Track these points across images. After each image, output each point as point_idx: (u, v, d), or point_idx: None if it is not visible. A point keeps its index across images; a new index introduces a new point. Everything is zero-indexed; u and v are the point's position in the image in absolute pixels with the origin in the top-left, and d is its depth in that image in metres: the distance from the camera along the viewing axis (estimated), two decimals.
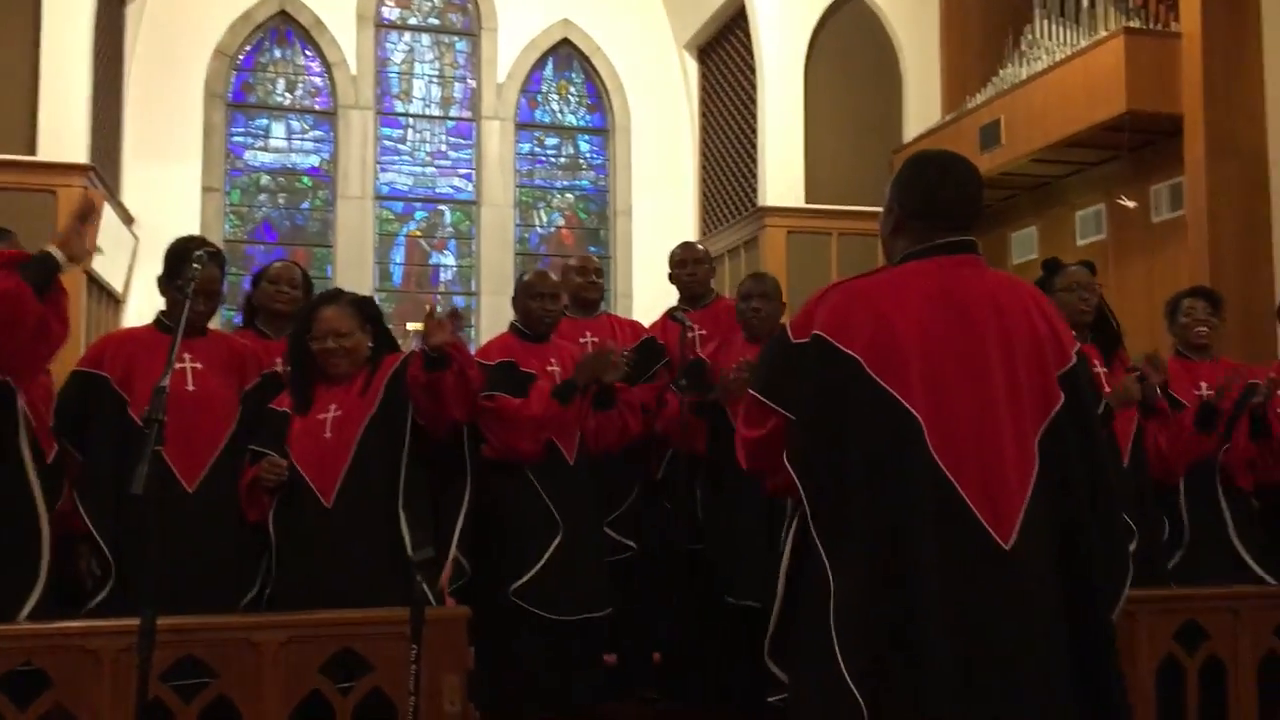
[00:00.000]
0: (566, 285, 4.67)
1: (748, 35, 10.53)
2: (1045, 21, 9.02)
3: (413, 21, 11.99)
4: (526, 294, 4.23)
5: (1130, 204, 8.38)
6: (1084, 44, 8.26)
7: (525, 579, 3.88)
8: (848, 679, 2.05)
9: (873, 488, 2.11)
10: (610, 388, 4.14)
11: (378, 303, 3.75)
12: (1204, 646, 3.43)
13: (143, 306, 9.00)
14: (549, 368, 4.11)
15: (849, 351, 2.13)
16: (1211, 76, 7.41)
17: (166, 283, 3.52)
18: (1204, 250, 7.37)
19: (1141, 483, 3.80)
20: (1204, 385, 4.07)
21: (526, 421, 3.92)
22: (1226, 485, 4.03)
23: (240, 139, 11.29)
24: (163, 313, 3.62)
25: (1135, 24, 7.93)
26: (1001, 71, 9.40)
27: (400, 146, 11.85)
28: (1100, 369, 3.80)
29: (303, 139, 11.55)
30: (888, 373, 2.12)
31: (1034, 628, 2.10)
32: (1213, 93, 7.41)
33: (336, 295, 3.55)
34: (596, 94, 12.29)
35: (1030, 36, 9.18)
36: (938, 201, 2.27)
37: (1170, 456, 3.92)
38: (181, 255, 3.39)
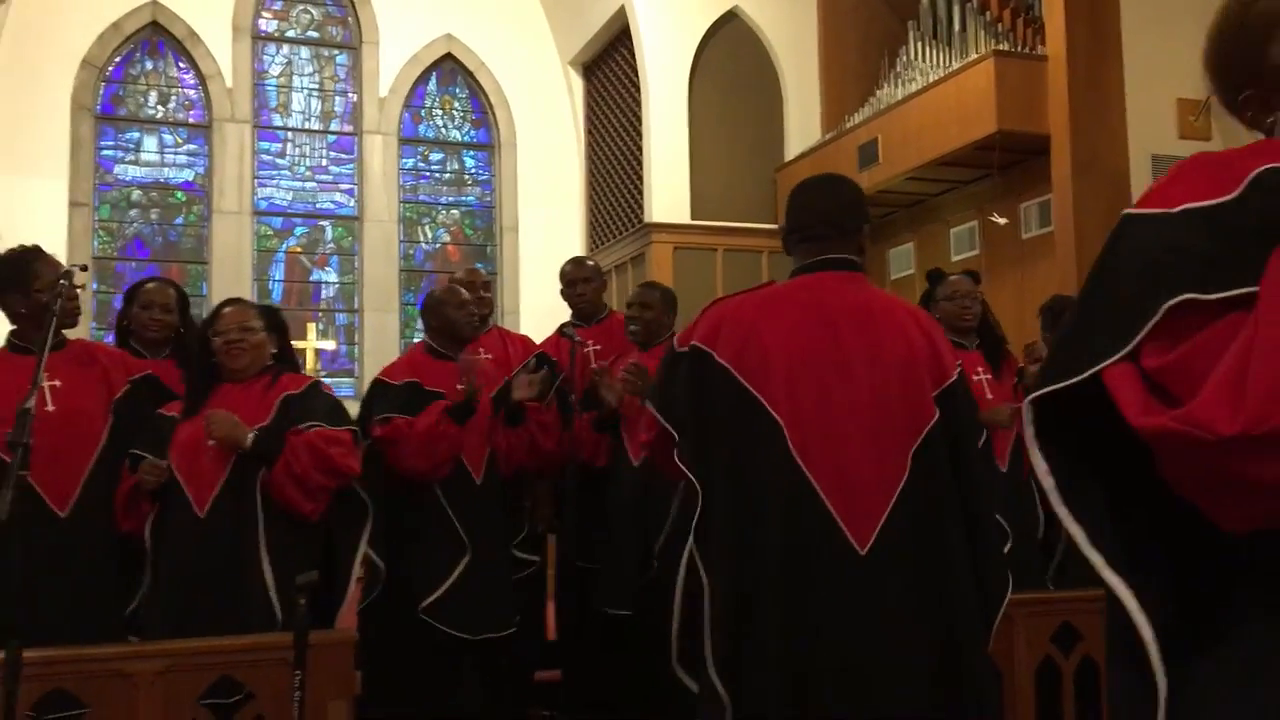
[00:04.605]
0: None
1: (632, 53, 10.61)
2: (919, 44, 9.30)
3: (291, 34, 11.75)
4: (446, 305, 4.12)
5: (1001, 221, 8.66)
6: (956, 66, 8.53)
7: (434, 597, 3.82)
8: (713, 675, 2.16)
9: (735, 489, 2.24)
10: (520, 405, 4.10)
11: None
12: (1078, 648, 3.50)
13: None
14: (460, 386, 4.04)
15: (720, 360, 2.29)
16: (1075, 97, 7.72)
17: (3, 292, 3.33)
18: (1071, 265, 7.65)
19: (1018, 484, 3.89)
20: None
21: (411, 438, 3.84)
22: None
23: (110, 153, 10.90)
24: (14, 332, 3.42)
25: (1004, 47, 8.23)
26: (878, 92, 9.65)
27: (279, 161, 11.60)
28: (986, 376, 3.91)
29: (176, 153, 11.21)
30: (754, 378, 2.26)
31: (886, 633, 2.15)
32: (1077, 113, 7.72)
33: (241, 300, 3.56)
34: (481, 109, 12.23)
35: (905, 58, 9.44)
36: (810, 220, 2.44)
37: None
38: (19, 265, 3.26)
